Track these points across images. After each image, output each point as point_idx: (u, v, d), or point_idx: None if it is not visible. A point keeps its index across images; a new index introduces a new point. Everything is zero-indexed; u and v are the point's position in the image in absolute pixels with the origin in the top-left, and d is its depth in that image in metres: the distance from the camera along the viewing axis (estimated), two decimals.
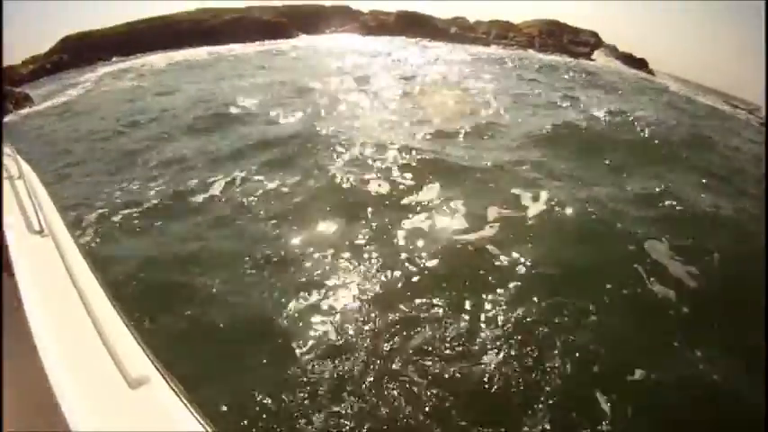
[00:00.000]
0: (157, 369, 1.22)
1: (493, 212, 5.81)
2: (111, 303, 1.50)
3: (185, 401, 1.18)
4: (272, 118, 10.48)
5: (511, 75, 19.50)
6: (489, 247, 5.03)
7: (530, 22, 38.31)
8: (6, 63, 34.36)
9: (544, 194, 6.31)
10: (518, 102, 13.07)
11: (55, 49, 41.50)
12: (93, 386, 1.17)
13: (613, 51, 39.39)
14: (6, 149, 3.46)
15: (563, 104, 13.16)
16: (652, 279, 4.74)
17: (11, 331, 2.03)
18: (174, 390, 1.16)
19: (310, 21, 38.68)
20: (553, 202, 6.12)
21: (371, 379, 3.47)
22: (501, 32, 35.69)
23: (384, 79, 15.52)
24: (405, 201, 6.15)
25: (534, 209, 6.01)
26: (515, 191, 6.43)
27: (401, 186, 6.55)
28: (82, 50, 39.77)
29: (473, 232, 5.44)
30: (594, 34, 40.52)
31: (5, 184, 2.81)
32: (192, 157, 8.03)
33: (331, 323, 3.98)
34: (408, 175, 6.89)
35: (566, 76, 21.08)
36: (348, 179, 6.67)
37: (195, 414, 1.17)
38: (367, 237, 5.22)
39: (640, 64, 38.24)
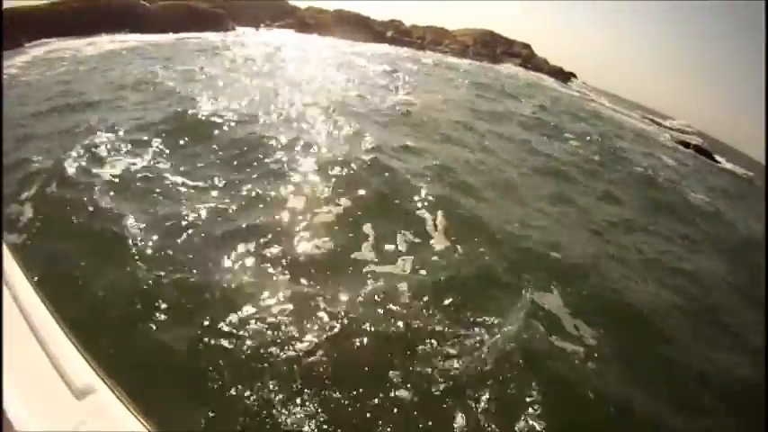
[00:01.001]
0: (101, 378, 1.19)
1: None
2: (48, 310, 1.41)
3: (132, 410, 1.16)
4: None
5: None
6: None
7: (464, 30, 39.10)
8: None
9: None
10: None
11: None
12: (39, 397, 1.13)
13: (544, 64, 41.03)
14: None
15: None
16: None
17: None
18: (120, 399, 1.15)
19: (246, 13, 37.54)
20: None
21: None
22: (436, 38, 36.17)
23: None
24: None
25: None
26: None
27: None
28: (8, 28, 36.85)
29: None
30: (527, 46, 42.03)
31: None
32: None
33: None
34: None
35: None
36: None
37: (143, 422, 1.15)
38: None
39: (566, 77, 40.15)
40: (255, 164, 7.02)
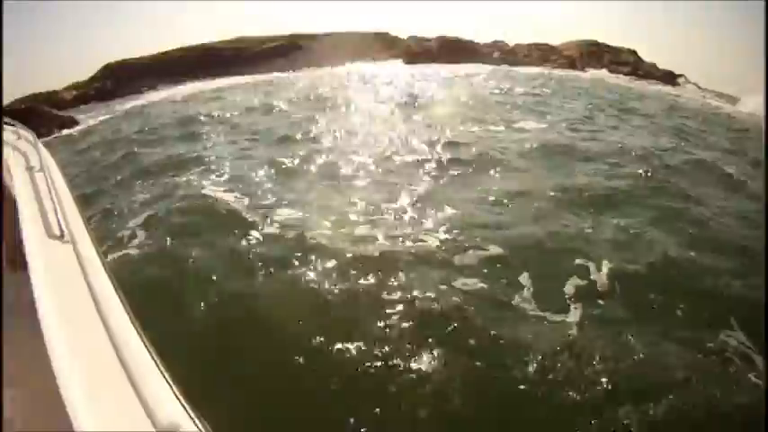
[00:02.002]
0: (186, 410, 1.13)
1: None
2: (136, 331, 1.40)
3: None
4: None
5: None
6: None
7: (568, 44, 38.96)
8: (50, 87, 37.36)
9: None
10: None
11: (96, 76, 43.51)
12: (116, 425, 1.09)
13: (654, 69, 39.65)
14: (29, 136, 3.32)
15: None
16: None
17: (23, 327, 1.93)
18: None
19: (354, 48, 40.13)
20: None
21: None
22: (542, 55, 36.42)
23: None
24: None
25: None
26: None
27: None
28: (123, 77, 41.72)
29: None
30: (633, 52, 40.92)
31: (25, 175, 2.66)
32: None
33: None
34: None
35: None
36: None
37: None
38: None
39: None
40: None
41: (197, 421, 1.10)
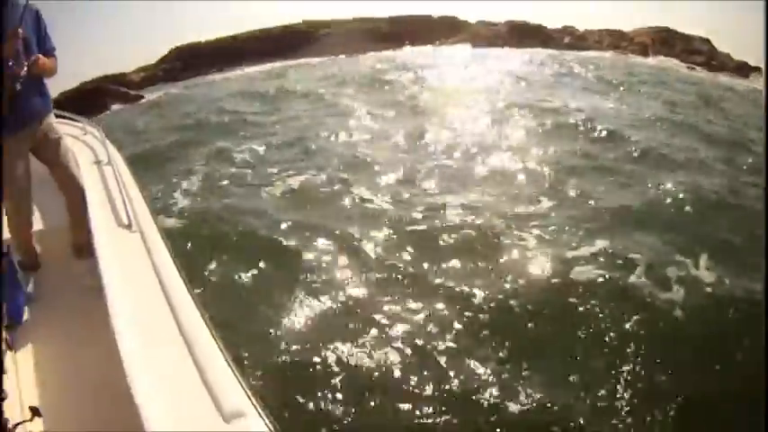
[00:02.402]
0: (250, 400, 1.15)
1: None
2: (202, 317, 1.44)
3: None
4: None
5: None
6: None
7: (639, 30, 38.46)
8: (119, 71, 38.46)
9: None
10: None
11: (166, 58, 44.90)
12: (183, 414, 1.11)
13: (729, 60, 38.69)
14: (95, 131, 3.44)
15: None
16: None
17: (87, 315, 2.06)
18: (269, 428, 1.10)
19: (418, 32, 40.79)
20: None
21: None
22: (613, 41, 36.22)
23: None
24: None
25: None
26: None
27: None
28: (191, 60, 43.02)
29: None
30: (707, 41, 39.98)
31: (93, 168, 2.80)
32: None
33: None
34: None
35: None
36: None
37: None
38: None
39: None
40: None
41: (260, 411, 1.12)
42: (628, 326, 3.99)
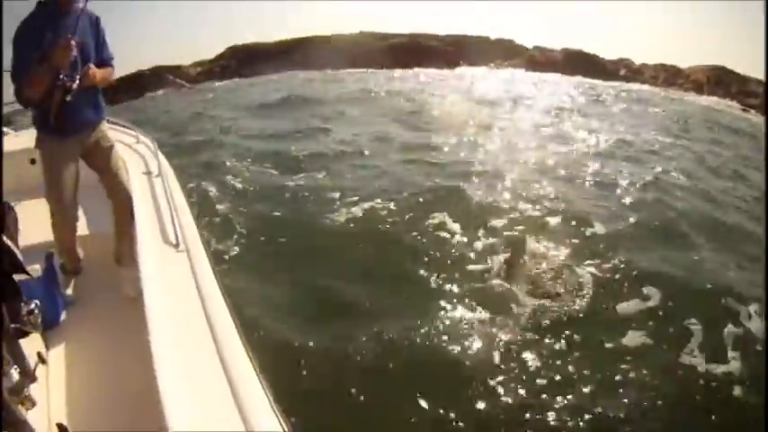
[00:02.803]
0: (280, 423, 1.17)
1: None
2: (240, 341, 1.44)
3: None
4: None
5: None
6: None
7: (696, 68, 38.86)
8: (176, 62, 40.21)
9: None
10: None
11: (223, 55, 45.80)
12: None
13: None
14: (148, 142, 3.40)
15: None
16: None
17: (123, 324, 2.16)
18: None
19: (474, 52, 41.71)
20: None
21: None
22: (668, 77, 36.79)
23: None
24: None
25: None
26: None
27: None
28: (247, 60, 43.69)
29: None
30: (762, 83, 40.07)
31: (142, 178, 2.75)
32: None
33: None
34: None
35: None
36: None
37: None
38: None
39: None
40: None
41: None
42: None
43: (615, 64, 37.58)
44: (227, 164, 8.74)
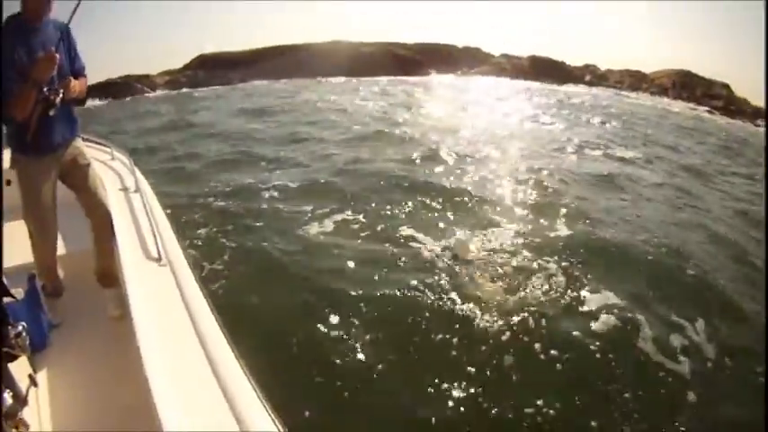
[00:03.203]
0: (276, 427, 1.17)
1: None
2: (232, 352, 1.44)
3: None
4: None
5: None
6: None
7: (660, 72, 39.13)
8: (144, 72, 39.37)
9: None
10: None
11: (190, 65, 45.20)
12: None
13: (745, 105, 39.15)
14: (123, 158, 3.41)
15: None
16: None
17: (110, 344, 2.21)
18: None
19: (443, 60, 41.83)
20: None
21: None
22: (633, 82, 36.92)
23: None
24: None
25: None
26: None
27: None
28: (214, 69, 43.03)
29: None
30: (726, 86, 40.52)
31: (119, 195, 2.75)
32: None
33: None
34: None
35: None
36: None
37: None
38: None
39: None
40: None
41: None
42: None
43: (581, 70, 37.72)
44: None
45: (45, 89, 2.13)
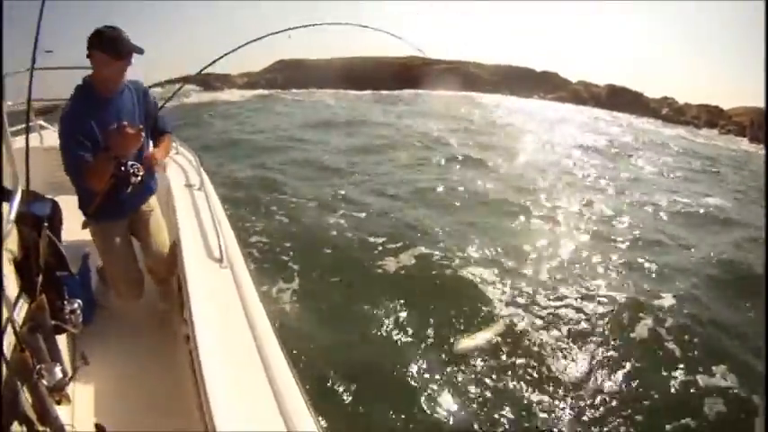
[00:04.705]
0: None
1: None
2: (285, 359, 1.46)
3: None
4: None
5: None
6: None
7: (739, 109, 39.32)
8: (224, 71, 40.28)
9: None
10: None
11: (269, 68, 46.78)
12: None
13: None
14: (188, 155, 3.41)
15: None
16: None
17: (154, 337, 2.34)
18: None
19: (519, 83, 42.84)
20: None
21: None
22: (711, 118, 37.42)
23: None
24: None
25: None
26: None
27: None
28: (293, 74, 44.49)
29: None
30: None
31: (184, 191, 2.75)
32: None
33: None
34: None
35: None
36: None
37: None
38: None
39: None
40: None
41: None
42: None
43: (658, 102, 38.39)
44: None
45: (123, 167, 2.00)
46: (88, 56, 2.02)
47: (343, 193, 8.60)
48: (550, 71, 44.17)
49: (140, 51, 2.04)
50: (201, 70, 2.34)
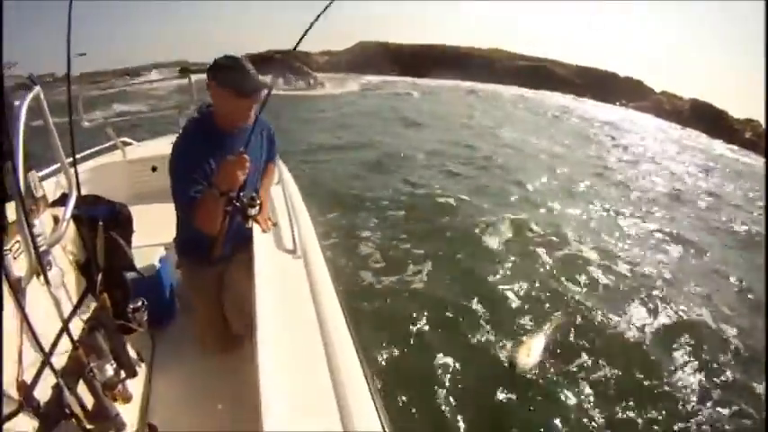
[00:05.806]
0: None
1: None
2: (357, 354, 1.40)
3: None
4: None
5: None
6: None
7: None
8: (303, 49, 43.97)
9: None
10: None
11: (351, 49, 48.67)
12: None
13: None
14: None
15: None
16: None
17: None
18: None
19: (601, 87, 42.22)
20: None
21: None
22: None
23: None
24: None
25: None
26: None
27: None
28: (375, 57, 45.95)
29: None
30: None
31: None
32: None
33: None
34: None
35: None
36: None
37: None
38: None
39: None
40: None
41: None
42: None
43: (742, 124, 37.46)
44: None
45: (236, 200, 1.78)
46: (207, 86, 1.85)
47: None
48: (634, 78, 43.87)
49: (269, 88, 1.88)
50: (296, 45, 1.89)
